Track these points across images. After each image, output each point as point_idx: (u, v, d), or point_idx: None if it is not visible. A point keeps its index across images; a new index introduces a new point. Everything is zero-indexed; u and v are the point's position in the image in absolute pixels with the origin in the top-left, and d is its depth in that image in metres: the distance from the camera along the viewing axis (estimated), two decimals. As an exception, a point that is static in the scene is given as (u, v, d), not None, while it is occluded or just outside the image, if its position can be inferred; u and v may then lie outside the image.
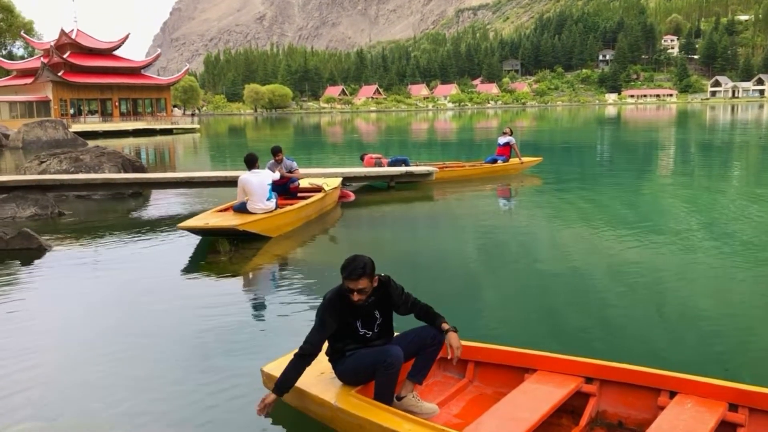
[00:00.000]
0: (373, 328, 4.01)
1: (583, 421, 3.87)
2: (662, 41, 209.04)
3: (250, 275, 8.05)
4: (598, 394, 3.97)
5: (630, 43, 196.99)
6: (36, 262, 8.47)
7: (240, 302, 6.92)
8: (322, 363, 4.32)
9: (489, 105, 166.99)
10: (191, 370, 4.94)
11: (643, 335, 5.59)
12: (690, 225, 10.63)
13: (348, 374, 3.98)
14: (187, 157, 33.24)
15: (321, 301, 4.00)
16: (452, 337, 3.88)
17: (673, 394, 3.74)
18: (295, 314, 6.18)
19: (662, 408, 3.67)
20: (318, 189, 11.65)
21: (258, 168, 9.77)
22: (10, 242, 8.79)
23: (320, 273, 7.88)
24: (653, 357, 4.90)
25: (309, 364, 3.90)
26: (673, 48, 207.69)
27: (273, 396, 3.87)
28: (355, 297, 3.83)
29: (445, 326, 3.95)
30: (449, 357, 3.89)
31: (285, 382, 3.84)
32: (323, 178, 12.75)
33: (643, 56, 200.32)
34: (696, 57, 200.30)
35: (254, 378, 4.56)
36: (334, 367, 4.07)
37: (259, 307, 6.70)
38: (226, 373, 4.87)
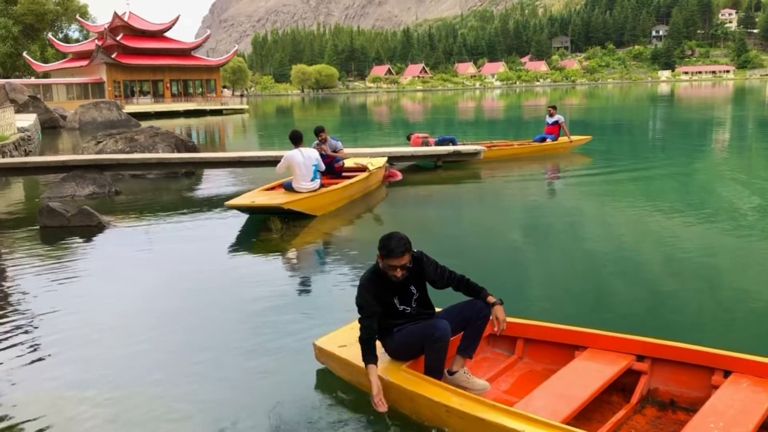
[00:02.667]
0: (410, 304, 4.07)
1: (634, 398, 3.86)
2: (719, 15, 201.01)
3: (301, 252, 8.21)
4: (650, 372, 3.95)
5: (685, 17, 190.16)
6: (95, 238, 8.79)
7: (291, 278, 7.08)
8: (372, 338, 4.42)
9: (537, 83, 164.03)
10: (244, 342, 5.09)
11: (696, 314, 5.53)
12: (745, 206, 10.34)
13: (397, 350, 4.05)
14: (236, 137, 33.75)
15: (357, 287, 4.05)
16: (498, 310, 3.92)
17: (727, 374, 3.69)
18: (344, 290, 6.29)
19: (716, 387, 3.64)
20: (363, 168, 11.71)
21: (303, 145, 9.89)
22: (72, 219, 9.14)
23: (367, 250, 7.96)
24: (706, 336, 4.83)
25: (375, 341, 3.97)
26: (731, 22, 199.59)
27: (375, 376, 3.88)
28: (399, 273, 3.88)
29: (491, 299, 3.98)
30: (495, 329, 3.92)
31: (369, 360, 3.90)
32: (368, 158, 12.80)
33: (699, 31, 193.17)
34: (755, 31, 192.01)
35: (306, 351, 4.69)
36: (383, 344, 4.14)
37: (309, 282, 6.83)
38: (279, 345, 5.01)
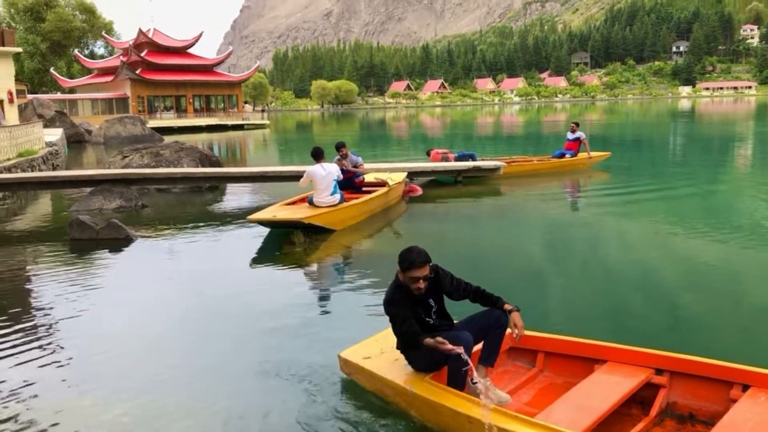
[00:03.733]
0: (431, 316, 4.19)
1: (653, 411, 3.93)
2: (741, 31, 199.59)
3: (323, 266, 8.36)
4: (669, 386, 4.02)
5: (706, 33, 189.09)
6: (123, 251, 9.01)
7: (314, 290, 7.23)
8: (395, 351, 4.53)
9: (557, 99, 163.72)
10: (269, 354, 5.20)
11: (714, 329, 5.58)
12: (765, 222, 10.33)
13: (420, 361, 4.16)
14: (257, 152, 34.13)
15: (384, 303, 4.18)
16: (516, 317, 4.03)
17: (745, 388, 3.75)
18: (367, 303, 6.41)
19: (734, 401, 3.70)
20: (383, 184, 11.86)
21: (324, 161, 10.07)
22: (101, 232, 9.38)
23: (388, 264, 8.06)
24: (724, 350, 4.87)
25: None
26: (752, 38, 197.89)
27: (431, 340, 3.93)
28: (422, 284, 4.01)
29: (508, 306, 4.09)
30: (513, 335, 4.01)
31: (422, 339, 3.97)
32: (388, 173, 12.95)
33: (720, 47, 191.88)
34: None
35: (331, 362, 4.81)
36: (406, 356, 4.26)
37: (332, 295, 6.96)
38: (303, 356, 5.11)
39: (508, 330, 4.13)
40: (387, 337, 4.85)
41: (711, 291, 6.67)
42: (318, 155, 10.02)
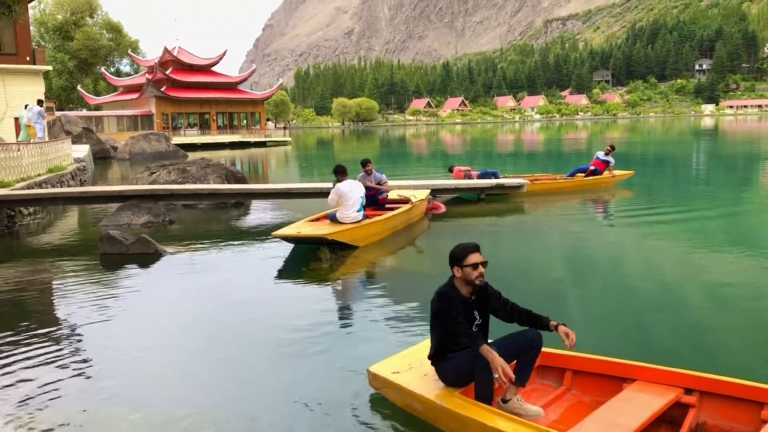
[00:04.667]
0: (473, 328, 4.23)
1: (683, 431, 3.94)
2: (765, 48, 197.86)
3: (350, 281, 8.45)
4: (698, 406, 4.02)
5: (729, 51, 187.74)
6: (153, 265, 9.18)
7: (341, 306, 7.31)
8: (425, 365, 4.59)
9: (578, 116, 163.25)
10: (297, 368, 5.29)
11: (744, 350, 5.55)
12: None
13: (450, 376, 4.22)
14: (279, 169, 34.42)
15: (431, 305, 4.23)
16: (564, 328, 4.06)
17: (777, 408, 3.76)
18: (393, 318, 6.48)
19: (766, 422, 3.70)
20: (406, 201, 11.95)
21: (347, 178, 10.20)
22: (130, 247, 9.56)
23: (413, 280, 8.23)
24: (754, 371, 4.85)
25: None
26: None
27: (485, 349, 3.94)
28: (483, 271, 4.13)
29: (553, 323, 4.13)
30: (567, 344, 4.03)
31: (479, 342, 4.00)
32: (411, 190, 13.04)
33: (744, 65, 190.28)
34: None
35: (359, 376, 4.90)
36: (436, 369, 4.33)
37: (359, 311, 7.01)
38: (331, 371, 5.19)
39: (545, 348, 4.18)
40: (415, 353, 4.92)
41: (737, 311, 6.65)
42: (342, 172, 10.16)
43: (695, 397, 4.04)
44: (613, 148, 17.11)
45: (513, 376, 3.88)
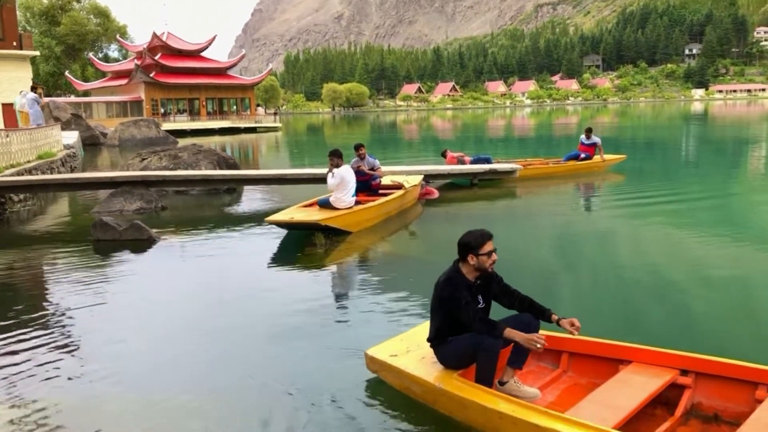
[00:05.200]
0: (477, 313, 4.25)
1: (678, 412, 3.98)
2: (755, 33, 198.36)
3: (345, 266, 8.48)
4: (694, 387, 4.07)
5: (719, 36, 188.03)
6: (146, 251, 9.16)
7: (337, 291, 7.33)
8: (422, 348, 4.62)
9: (568, 101, 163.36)
10: (294, 351, 5.30)
11: (738, 331, 5.62)
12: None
13: (449, 358, 4.25)
14: (270, 155, 34.33)
15: (437, 290, 4.25)
16: (567, 320, 4.09)
17: (771, 388, 3.81)
18: (389, 303, 6.49)
19: (760, 401, 3.75)
20: (399, 186, 11.94)
21: (343, 163, 10.20)
22: (124, 233, 9.53)
23: (408, 266, 8.24)
24: (749, 352, 4.89)
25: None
26: (766, 40, 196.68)
27: (510, 332, 4.02)
28: (495, 257, 4.17)
29: (555, 317, 4.17)
30: (573, 330, 4.05)
31: (500, 326, 4.05)
32: (404, 176, 13.03)
33: (734, 50, 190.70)
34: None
35: (355, 359, 4.93)
36: (435, 352, 4.35)
37: (354, 295, 7.04)
38: (329, 354, 5.21)
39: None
40: (413, 336, 4.95)
41: (732, 294, 6.72)
42: (339, 155, 10.12)
43: (691, 378, 4.08)
44: (590, 130, 17.16)
45: (544, 341, 3.95)
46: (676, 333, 5.58)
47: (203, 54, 65.12)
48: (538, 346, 3.94)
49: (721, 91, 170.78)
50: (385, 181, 12.22)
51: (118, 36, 72.49)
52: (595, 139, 16.89)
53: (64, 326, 6.10)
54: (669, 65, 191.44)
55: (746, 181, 16.57)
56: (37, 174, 14.98)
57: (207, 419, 4.27)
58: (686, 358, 4.15)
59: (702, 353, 4.20)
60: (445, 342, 4.25)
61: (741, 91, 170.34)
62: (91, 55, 70.20)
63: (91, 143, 36.66)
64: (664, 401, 4.10)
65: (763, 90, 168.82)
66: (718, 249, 8.69)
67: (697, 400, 4.08)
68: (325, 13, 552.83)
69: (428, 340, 4.40)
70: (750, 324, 5.82)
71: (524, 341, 3.96)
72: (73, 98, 61.11)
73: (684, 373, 4.12)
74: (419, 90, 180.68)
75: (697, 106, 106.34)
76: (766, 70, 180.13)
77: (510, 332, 3.99)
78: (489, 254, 4.15)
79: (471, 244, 4.15)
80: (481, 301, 4.27)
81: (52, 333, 5.89)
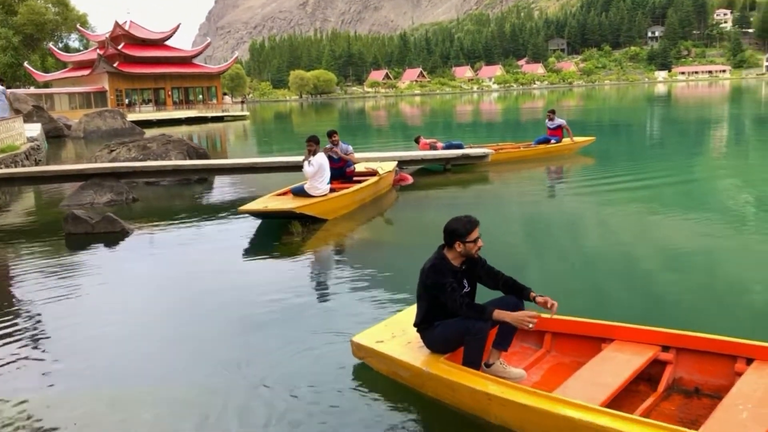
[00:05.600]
0: (463, 297, 4.28)
1: (661, 387, 4.08)
2: (714, 15, 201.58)
3: (324, 254, 8.46)
4: (675, 362, 4.17)
5: (680, 18, 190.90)
6: (120, 244, 9.02)
7: (316, 279, 7.30)
8: (407, 333, 4.65)
9: (535, 85, 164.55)
10: (276, 341, 5.27)
11: (717, 307, 5.76)
12: (755, 200, 10.59)
13: (437, 342, 4.28)
14: (239, 144, 33.98)
15: (422, 277, 4.26)
16: (543, 297, 4.12)
17: (749, 361, 3.91)
18: (370, 291, 6.49)
19: (740, 374, 3.85)
20: (373, 173, 11.93)
21: (320, 150, 10.16)
22: (96, 226, 9.37)
23: (387, 252, 8.26)
24: (728, 326, 4.98)
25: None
26: (726, 22, 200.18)
27: (500, 314, 4.05)
28: (480, 243, 4.21)
29: (533, 294, 4.21)
30: (551, 307, 4.08)
31: (488, 309, 4.07)
32: (378, 162, 13.02)
33: (695, 32, 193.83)
34: (751, 31, 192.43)
35: (340, 348, 4.94)
36: (422, 337, 4.38)
37: (334, 283, 7.00)
38: (312, 343, 5.19)
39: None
40: (397, 322, 4.98)
41: (710, 270, 6.88)
42: (317, 141, 10.07)
43: (672, 354, 4.17)
44: (553, 112, 17.32)
45: (535, 319, 4.00)
46: (654, 311, 5.69)
47: (167, 43, 64.01)
48: (530, 325, 3.99)
49: (683, 73, 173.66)
50: (359, 168, 12.20)
51: (78, 25, 70.68)
52: (560, 121, 17.06)
53: (37, 321, 5.99)
54: (632, 48, 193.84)
55: (710, 161, 16.91)
56: (1, 167, 14.61)
57: (187, 410, 4.24)
58: (667, 334, 4.24)
59: (684, 329, 4.29)
60: (432, 327, 4.27)
61: (702, 72, 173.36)
62: (51, 45, 68.48)
63: (55, 135, 35.86)
64: (646, 377, 4.19)
65: (724, 71, 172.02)
66: (687, 228, 8.86)
67: (678, 375, 4.17)
68: (289, 0, 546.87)
69: (415, 325, 4.42)
70: (723, 299, 5.96)
71: (515, 321, 4.00)
72: (33, 90, 59.62)
73: (665, 349, 4.21)
74: (387, 76, 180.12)
75: (661, 88, 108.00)
76: (726, 51, 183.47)
77: (500, 313, 4.03)
78: (475, 241, 4.18)
79: (459, 231, 4.16)
80: (467, 286, 4.30)
81: (24, 328, 5.79)
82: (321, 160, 9.88)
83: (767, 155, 17.55)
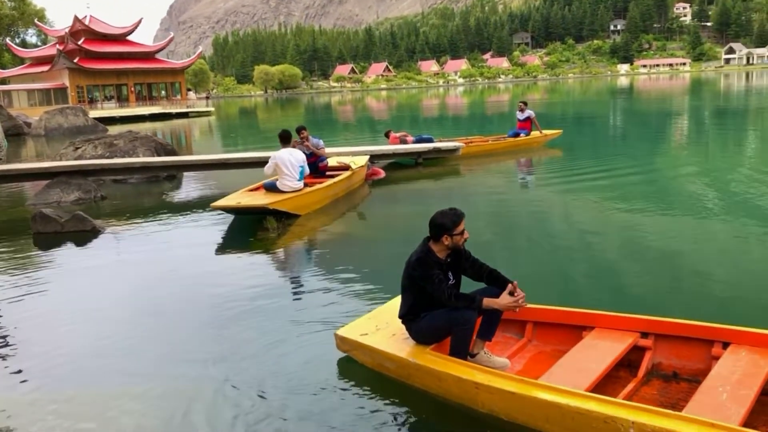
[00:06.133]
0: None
1: (641, 373, 4.18)
2: (674, 9, 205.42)
3: (300, 250, 8.45)
4: (654, 348, 4.27)
5: (641, 12, 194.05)
6: (91, 243, 8.85)
7: (294, 274, 7.28)
8: (391, 326, 4.67)
9: (500, 79, 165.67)
10: (256, 337, 5.23)
11: (692, 293, 5.91)
12: (718, 188, 10.86)
13: (423, 334, 4.31)
14: (205, 140, 33.61)
15: (408, 270, 4.28)
16: (511, 287, 4.18)
17: (726, 345, 4.03)
18: (348, 284, 6.47)
19: (716, 358, 3.96)
20: (346, 167, 11.93)
21: (289, 146, 10.10)
22: (66, 225, 9.19)
23: (363, 247, 8.29)
24: (704, 312, 5.08)
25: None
26: (685, 16, 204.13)
27: (489, 301, 4.13)
28: (466, 235, 4.26)
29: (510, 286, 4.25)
30: (519, 300, 4.13)
31: (477, 298, 4.12)
32: (350, 157, 13.02)
33: (656, 25, 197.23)
34: (709, 24, 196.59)
35: (323, 341, 4.95)
36: (408, 328, 4.41)
37: (312, 278, 6.95)
38: (293, 337, 5.17)
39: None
40: (380, 314, 5.00)
41: (685, 258, 7.02)
42: (286, 139, 10.04)
43: (651, 340, 4.27)
44: (525, 103, 17.50)
45: (523, 301, 4.12)
46: (630, 298, 5.81)
47: (129, 38, 62.90)
48: (517, 309, 4.17)
49: (645, 66, 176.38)
50: (332, 162, 12.18)
51: (36, 20, 69.16)
52: (529, 112, 17.24)
53: (7, 320, 5.86)
54: (595, 41, 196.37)
55: (673, 151, 17.29)
56: (-38, 167, 14.21)
57: (163, 410, 4.17)
58: (646, 320, 4.34)
59: (662, 315, 4.39)
60: (418, 318, 4.30)
61: (663, 65, 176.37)
62: (7, 40, 66.80)
63: (15, 133, 34.98)
64: (626, 363, 4.28)
65: (684, 64, 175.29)
66: (656, 217, 9.07)
67: (657, 361, 4.27)
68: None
69: (400, 316, 4.45)
70: (696, 286, 6.12)
71: (504, 307, 4.10)
72: (-11, 86, 58.15)
73: (644, 335, 4.31)
74: (353, 71, 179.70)
75: (623, 81, 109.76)
76: (686, 44, 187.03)
77: (489, 301, 4.10)
78: (461, 233, 4.23)
79: (446, 225, 4.19)
80: (452, 278, 4.34)
81: None
82: (281, 155, 9.82)
83: (727, 145, 17.97)
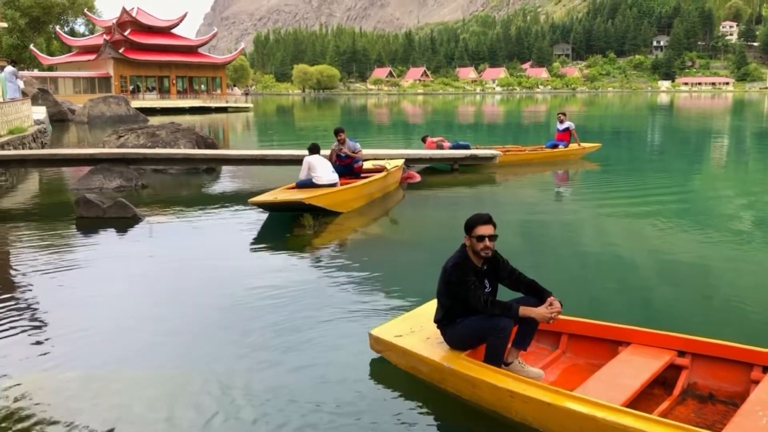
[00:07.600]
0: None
1: (676, 391, 4.13)
2: (720, 27, 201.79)
3: (336, 248, 8.50)
4: (690, 367, 4.22)
5: (686, 29, 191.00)
6: (131, 229, 9.04)
7: (329, 273, 7.26)
8: (426, 329, 4.70)
9: (538, 90, 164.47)
10: (291, 334, 5.27)
11: (734, 314, 5.81)
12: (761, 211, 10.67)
13: (459, 339, 4.33)
14: (243, 135, 33.97)
15: (444, 275, 4.30)
16: (556, 300, 4.20)
17: (766, 369, 3.97)
18: (384, 285, 6.52)
19: (756, 382, 3.90)
20: (381, 170, 12.00)
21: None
22: (108, 211, 9.41)
23: (399, 249, 8.32)
24: (744, 334, 5.03)
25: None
26: (731, 35, 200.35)
27: (525, 310, 4.14)
28: (489, 244, 4.20)
29: (550, 298, 4.26)
30: (554, 313, 4.14)
31: (513, 306, 4.14)
32: (386, 160, 13.08)
33: (700, 43, 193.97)
34: (756, 44, 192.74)
35: (358, 341, 4.97)
36: (443, 333, 4.43)
37: (348, 278, 6.98)
38: (328, 336, 5.22)
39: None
40: (415, 317, 5.02)
41: (727, 277, 6.94)
42: (314, 150, 10.36)
43: (688, 359, 4.23)
44: (564, 114, 17.39)
45: (559, 310, 4.13)
46: (668, 316, 5.74)
47: (174, 31, 63.91)
48: (551, 321, 4.14)
49: (687, 84, 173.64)
50: (367, 165, 12.25)
51: (85, 10, 70.54)
52: (568, 123, 17.12)
53: (43, 302, 6.03)
54: (637, 56, 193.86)
55: (713, 171, 17.01)
56: (9, 149, 14.62)
57: (188, 400, 4.23)
58: (683, 339, 4.30)
59: (700, 335, 4.34)
60: (454, 323, 4.32)
61: (706, 84, 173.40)
62: (57, 28, 68.32)
63: (59, 119, 35.80)
64: (661, 381, 4.24)
65: (727, 84, 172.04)
66: (698, 237, 8.92)
67: (693, 380, 4.23)
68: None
69: (436, 321, 4.47)
70: (737, 308, 6.01)
71: (540, 316, 4.10)
72: (37, 72, 59.49)
73: (681, 354, 4.27)
74: (390, 74, 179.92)
75: (664, 98, 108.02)
76: (731, 64, 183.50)
77: (525, 310, 4.11)
78: (480, 238, 4.19)
79: (467, 224, 4.25)
80: (488, 285, 4.35)
81: (34, 311, 5.82)
82: (312, 159, 10.23)
83: (767, 167, 17.66)
